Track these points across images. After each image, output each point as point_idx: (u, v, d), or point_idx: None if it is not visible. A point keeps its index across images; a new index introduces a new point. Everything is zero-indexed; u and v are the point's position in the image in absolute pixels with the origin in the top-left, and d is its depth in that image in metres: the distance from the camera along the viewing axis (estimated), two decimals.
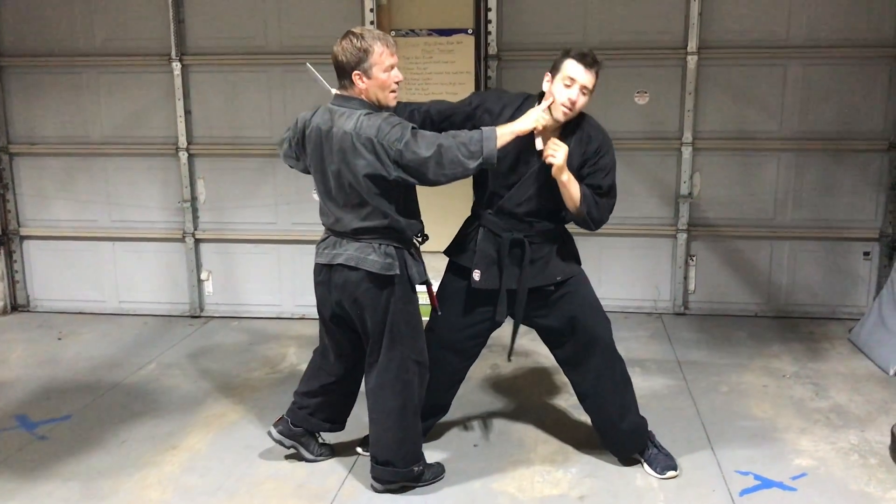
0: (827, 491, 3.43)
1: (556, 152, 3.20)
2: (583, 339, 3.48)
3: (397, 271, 3.18)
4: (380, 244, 3.18)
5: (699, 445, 3.82)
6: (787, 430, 3.97)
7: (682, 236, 5.67)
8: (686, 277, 5.74)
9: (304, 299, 5.77)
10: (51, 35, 5.68)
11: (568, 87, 3.20)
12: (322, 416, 3.61)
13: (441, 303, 3.58)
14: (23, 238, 6.00)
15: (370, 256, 3.17)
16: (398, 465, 3.35)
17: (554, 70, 3.26)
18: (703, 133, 5.55)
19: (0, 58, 5.75)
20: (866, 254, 5.59)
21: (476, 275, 3.45)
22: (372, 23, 5.29)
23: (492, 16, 5.49)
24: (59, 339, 5.46)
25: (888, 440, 3.75)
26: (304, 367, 3.76)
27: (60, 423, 4.13)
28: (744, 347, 5.12)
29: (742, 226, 5.65)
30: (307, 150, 3.27)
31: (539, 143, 3.30)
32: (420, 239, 3.33)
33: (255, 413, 4.21)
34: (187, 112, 5.67)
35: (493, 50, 5.53)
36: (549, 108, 3.24)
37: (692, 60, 5.43)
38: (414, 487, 3.43)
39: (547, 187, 3.33)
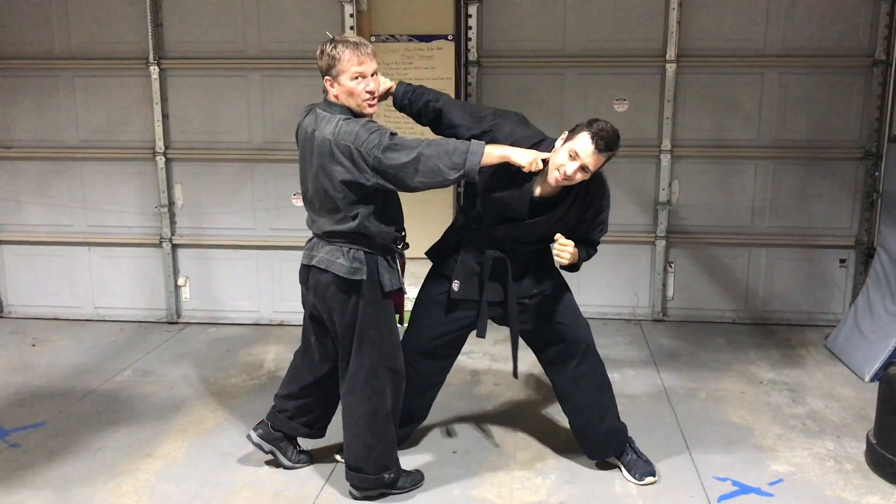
0: (803, 496, 3.45)
1: (564, 254, 3.22)
2: (564, 341, 3.49)
3: (363, 276, 3.17)
4: (349, 248, 3.18)
5: (677, 451, 3.83)
6: (764, 436, 4.00)
7: (661, 243, 5.70)
8: (665, 284, 5.77)
9: (282, 305, 5.74)
10: (26, 38, 5.62)
11: (571, 159, 3.10)
12: (302, 421, 3.60)
13: (420, 307, 3.60)
14: None
15: (338, 260, 3.17)
16: (368, 471, 3.34)
17: (571, 133, 3.15)
18: (682, 141, 5.58)
19: None
20: (842, 261, 5.64)
21: (455, 285, 3.47)
22: (352, 28, 5.28)
23: (472, 22, 5.50)
24: (33, 345, 5.39)
25: (864, 446, 3.79)
26: (282, 373, 3.74)
27: (34, 431, 4.07)
28: (721, 354, 5.15)
29: (720, 233, 5.69)
30: (298, 149, 3.27)
31: (538, 190, 3.27)
32: (399, 246, 3.31)
33: (232, 420, 4.18)
34: (165, 116, 5.63)
35: (472, 56, 5.54)
36: (547, 162, 3.14)
37: (671, 68, 5.46)
38: (391, 494, 3.41)
39: (538, 233, 3.35)
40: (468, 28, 5.51)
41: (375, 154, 3.00)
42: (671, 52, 5.44)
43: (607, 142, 3.09)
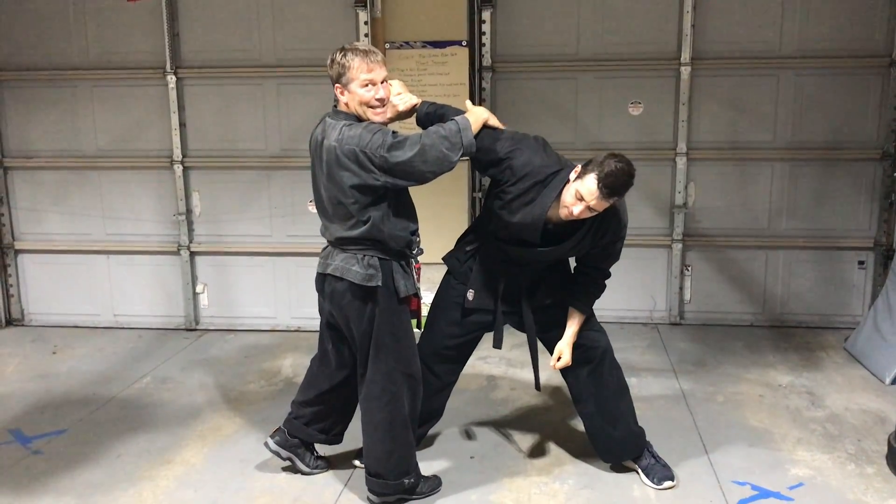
0: (824, 501, 3.43)
1: (560, 362, 3.45)
2: (581, 346, 3.48)
3: (379, 283, 3.18)
4: (364, 255, 3.19)
5: (696, 456, 3.81)
6: (783, 439, 3.97)
7: (678, 246, 5.68)
8: (682, 287, 5.74)
9: (299, 311, 5.77)
10: (46, 49, 5.69)
11: (578, 200, 3.12)
12: (318, 427, 3.61)
13: (435, 310, 3.64)
14: (18, 252, 5.99)
15: (353, 267, 3.19)
16: (388, 477, 3.34)
17: (584, 169, 3.14)
18: (698, 143, 5.57)
19: None
20: (861, 263, 5.60)
21: (470, 294, 3.50)
22: (366, 35, 5.30)
23: (485, 27, 5.51)
24: (54, 353, 5.44)
25: (885, 449, 3.75)
26: (299, 379, 3.76)
27: (55, 438, 4.11)
28: (739, 357, 5.12)
29: (737, 235, 5.66)
30: (312, 159, 3.30)
31: (552, 217, 3.26)
32: (413, 251, 3.32)
33: (250, 426, 4.20)
34: (182, 125, 5.68)
35: (487, 61, 5.55)
36: (561, 199, 3.18)
37: (686, 71, 5.45)
38: (410, 500, 3.42)
39: (551, 259, 3.41)
40: (482, 34, 5.52)
41: (381, 153, 3.02)
42: (686, 55, 5.43)
43: (612, 188, 3.07)
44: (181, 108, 5.66)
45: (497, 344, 3.56)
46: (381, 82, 3.15)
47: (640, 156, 5.52)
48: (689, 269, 5.73)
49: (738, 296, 5.74)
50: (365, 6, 5.29)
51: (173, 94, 5.62)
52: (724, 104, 5.52)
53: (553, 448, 3.91)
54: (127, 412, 4.42)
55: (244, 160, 5.69)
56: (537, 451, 3.89)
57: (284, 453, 3.63)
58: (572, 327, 3.43)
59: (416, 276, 3.36)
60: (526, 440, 4.00)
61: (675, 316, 5.77)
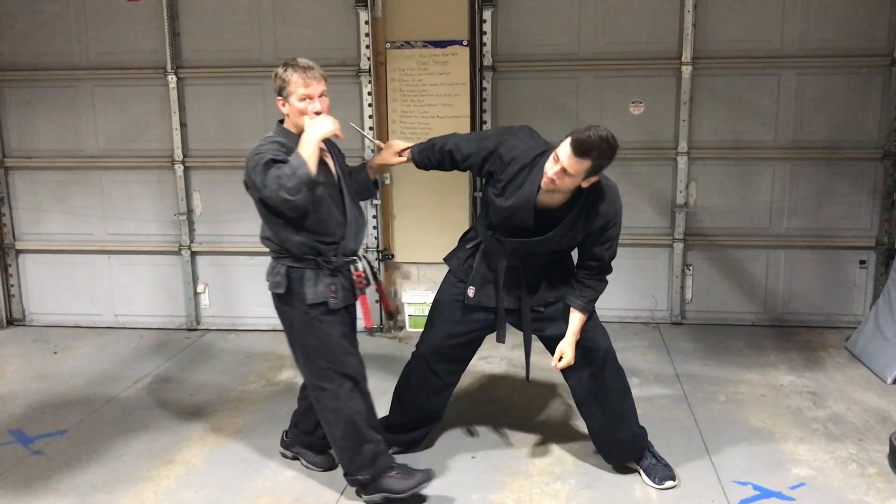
0: (825, 501, 3.42)
1: (562, 362, 3.42)
2: (582, 347, 3.48)
3: (282, 290, 3.28)
4: (275, 264, 3.33)
5: (697, 455, 3.81)
6: (785, 439, 3.97)
7: (679, 246, 5.67)
8: (683, 287, 5.74)
9: None
10: (46, 49, 5.69)
11: (554, 162, 3.11)
12: (302, 429, 3.70)
13: (437, 309, 3.64)
14: (19, 252, 5.99)
15: (268, 276, 3.35)
16: (349, 472, 3.40)
17: (566, 138, 3.14)
18: (699, 143, 5.56)
19: None
20: (862, 262, 5.59)
21: (471, 291, 3.50)
22: (367, 35, 5.30)
23: (486, 27, 5.51)
24: (55, 353, 5.44)
25: (887, 449, 3.75)
26: (300, 379, 3.75)
27: (56, 438, 4.11)
28: (741, 357, 5.12)
29: (738, 235, 5.66)
30: None
31: (542, 201, 3.26)
32: (330, 260, 3.28)
33: (251, 426, 4.20)
34: (183, 125, 5.67)
35: (487, 61, 5.54)
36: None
37: (687, 70, 5.44)
38: (397, 497, 3.35)
39: (548, 248, 3.38)
40: (483, 33, 5.51)
41: (247, 173, 3.21)
42: (687, 54, 5.43)
43: (583, 147, 3.02)
44: (182, 107, 5.66)
45: (500, 338, 3.55)
46: (319, 96, 3.23)
47: (641, 155, 5.53)
48: (691, 268, 5.73)
49: (740, 295, 5.73)
50: (366, 6, 5.29)
51: (174, 94, 5.62)
52: (725, 103, 5.51)
53: (554, 448, 3.91)
54: (128, 412, 4.42)
55: (245, 160, 5.67)
56: (539, 451, 3.89)
57: (289, 454, 3.76)
58: (574, 327, 3.42)
59: (355, 285, 3.35)
60: (527, 440, 4.00)
61: (676, 316, 5.77)
